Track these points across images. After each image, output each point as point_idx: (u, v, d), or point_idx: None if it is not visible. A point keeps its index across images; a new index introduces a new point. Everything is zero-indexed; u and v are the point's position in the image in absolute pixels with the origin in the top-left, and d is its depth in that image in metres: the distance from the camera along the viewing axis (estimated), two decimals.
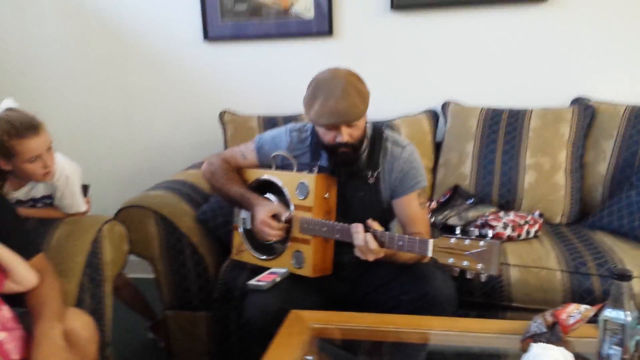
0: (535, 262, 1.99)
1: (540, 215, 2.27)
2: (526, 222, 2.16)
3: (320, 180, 1.80)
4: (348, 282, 1.92)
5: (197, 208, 2.21)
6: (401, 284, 1.77)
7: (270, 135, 1.98)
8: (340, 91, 1.68)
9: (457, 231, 1.52)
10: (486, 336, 1.57)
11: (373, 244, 1.60)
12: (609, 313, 1.35)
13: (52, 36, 3.03)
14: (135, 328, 2.57)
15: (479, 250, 1.46)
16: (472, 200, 2.37)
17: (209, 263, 2.13)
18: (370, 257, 1.63)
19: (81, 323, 1.55)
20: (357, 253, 1.65)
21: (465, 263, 1.48)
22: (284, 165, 1.94)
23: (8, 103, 1.75)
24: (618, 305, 1.34)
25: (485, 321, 1.63)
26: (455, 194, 2.42)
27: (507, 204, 2.40)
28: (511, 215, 2.20)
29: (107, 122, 3.08)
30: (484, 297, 1.98)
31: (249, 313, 1.73)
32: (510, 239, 2.13)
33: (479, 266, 1.46)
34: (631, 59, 2.62)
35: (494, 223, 2.14)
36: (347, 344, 1.69)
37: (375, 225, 1.65)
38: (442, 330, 1.60)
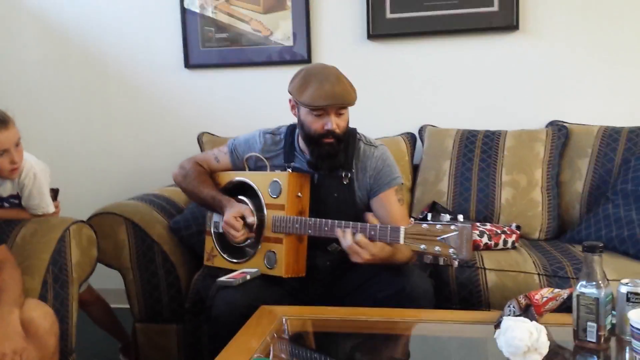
0: (512, 266, 1.96)
1: (518, 228, 2.25)
2: (503, 232, 2.14)
3: (293, 178, 1.79)
4: (323, 286, 1.87)
5: (170, 218, 2.18)
6: (377, 283, 1.73)
7: (244, 138, 1.98)
8: (334, 77, 1.73)
9: (429, 217, 1.51)
10: (461, 325, 1.53)
11: (360, 237, 1.57)
12: (583, 288, 1.33)
13: (34, 61, 3.07)
14: (106, 351, 2.47)
15: (451, 234, 1.45)
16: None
17: (181, 273, 2.08)
18: (365, 255, 1.58)
19: (40, 313, 1.50)
20: (352, 258, 1.61)
21: (437, 249, 1.46)
22: (257, 168, 1.93)
23: None
24: (591, 279, 1.32)
25: (459, 312, 1.60)
26: (433, 210, 2.40)
27: (485, 219, 2.39)
28: (488, 225, 2.18)
29: (86, 146, 3.09)
30: (461, 303, 1.94)
31: (217, 309, 1.68)
32: (487, 247, 2.11)
33: (451, 251, 1.44)
34: (602, 84, 2.68)
35: None
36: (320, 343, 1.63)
37: (371, 219, 1.62)
38: (416, 320, 1.55)
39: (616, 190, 2.27)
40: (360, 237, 1.58)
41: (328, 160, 1.79)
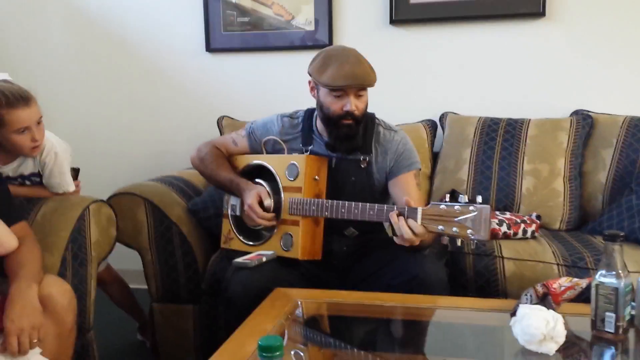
0: (531, 256, 1.94)
1: (538, 217, 2.22)
2: (523, 221, 2.11)
3: (311, 160, 1.78)
4: (338, 271, 1.87)
5: (188, 200, 2.19)
6: (391, 270, 1.72)
7: (262, 122, 1.98)
8: (354, 58, 1.73)
9: (447, 198, 1.50)
10: (476, 313, 1.51)
11: (417, 227, 1.52)
12: (602, 277, 1.30)
13: (58, 44, 3.11)
14: (124, 330, 2.51)
15: (469, 215, 1.44)
16: None
17: (198, 254, 2.09)
18: (417, 242, 1.54)
19: (59, 289, 1.51)
20: (399, 241, 1.56)
21: (454, 229, 1.45)
22: (275, 151, 1.93)
23: (3, 76, 1.77)
24: (610, 268, 1.30)
25: (474, 299, 1.58)
26: (452, 199, 2.38)
27: (505, 208, 2.36)
28: (507, 214, 2.16)
29: (108, 129, 3.12)
30: (478, 292, 1.92)
31: (233, 290, 1.68)
32: (506, 236, 2.08)
33: (469, 232, 1.43)
34: (629, 74, 2.62)
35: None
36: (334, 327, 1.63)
37: (411, 203, 1.57)
38: (431, 306, 1.54)
39: None
40: (415, 224, 1.52)
41: (346, 142, 1.79)
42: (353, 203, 1.65)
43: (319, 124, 1.86)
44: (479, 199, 1.45)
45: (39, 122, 1.76)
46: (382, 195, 1.87)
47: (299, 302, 1.58)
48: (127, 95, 3.08)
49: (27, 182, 1.91)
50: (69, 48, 3.10)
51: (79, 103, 3.12)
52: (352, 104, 1.73)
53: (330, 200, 1.70)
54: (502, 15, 2.68)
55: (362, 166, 1.83)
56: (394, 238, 1.58)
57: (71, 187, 1.95)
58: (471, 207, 1.43)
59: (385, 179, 1.86)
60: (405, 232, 1.52)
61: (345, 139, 1.78)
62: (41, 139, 1.78)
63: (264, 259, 1.73)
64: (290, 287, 1.67)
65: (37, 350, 1.41)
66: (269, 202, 1.80)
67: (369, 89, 1.79)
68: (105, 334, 2.35)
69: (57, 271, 1.71)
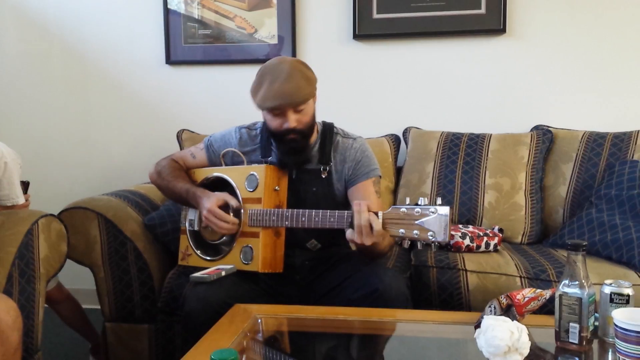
0: (494, 268, 1.92)
1: (500, 231, 2.22)
2: (485, 234, 2.11)
3: (270, 171, 1.74)
4: (300, 286, 1.82)
5: (144, 215, 2.11)
6: (352, 284, 1.68)
7: (220, 134, 1.93)
8: (285, 74, 1.66)
9: (407, 201, 1.48)
10: (440, 326, 1.48)
11: (377, 225, 1.49)
12: (565, 287, 1.29)
13: (13, 55, 3.02)
14: (75, 352, 2.39)
15: (429, 217, 1.42)
16: None
17: (154, 271, 2.01)
18: (368, 241, 1.51)
19: (3, 307, 1.42)
20: (351, 236, 1.53)
21: (415, 232, 1.44)
22: (234, 163, 1.88)
23: None
24: (574, 278, 1.28)
25: (438, 312, 1.55)
26: None
27: (468, 222, 2.35)
28: (470, 228, 2.15)
29: (64, 142, 3.03)
30: (442, 305, 1.89)
31: (190, 306, 1.61)
32: (469, 249, 2.07)
33: (429, 234, 1.42)
34: (588, 90, 2.66)
35: (452, 233, 2.08)
36: (295, 343, 1.57)
37: (372, 207, 1.54)
38: (394, 320, 1.50)
39: (600, 195, 2.24)
40: (375, 220, 1.49)
41: (293, 156, 1.75)
42: (314, 211, 1.61)
43: None
44: (439, 200, 1.43)
45: None
46: (344, 205, 1.84)
47: (259, 318, 1.52)
48: (84, 107, 3.00)
49: None
50: (23, 57, 3.01)
51: (32, 114, 3.03)
52: (290, 122, 1.68)
53: (290, 210, 1.66)
54: (465, 32, 2.70)
55: (323, 176, 1.80)
56: (347, 232, 1.55)
57: (20, 199, 1.86)
58: (431, 209, 1.41)
59: (345, 187, 1.83)
60: (364, 219, 1.48)
61: (292, 154, 1.75)
62: None
63: (223, 273, 1.67)
64: (251, 302, 1.61)
65: None
66: (235, 202, 1.74)
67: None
68: (56, 356, 2.25)
69: (3, 288, 1.61)
